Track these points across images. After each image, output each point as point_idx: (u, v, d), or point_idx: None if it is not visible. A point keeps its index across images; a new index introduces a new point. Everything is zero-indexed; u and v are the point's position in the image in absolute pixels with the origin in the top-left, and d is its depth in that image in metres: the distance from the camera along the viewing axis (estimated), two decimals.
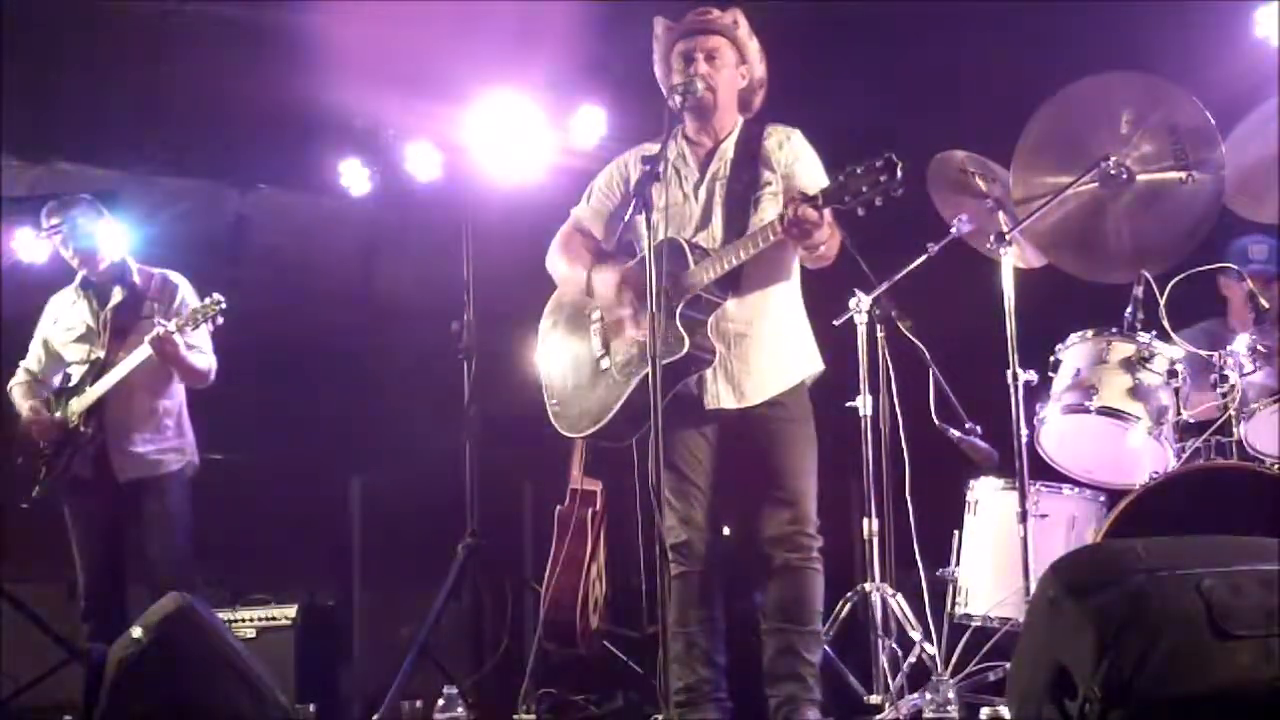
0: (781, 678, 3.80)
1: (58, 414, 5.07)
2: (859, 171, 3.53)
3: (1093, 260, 4.42)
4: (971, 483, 4.71)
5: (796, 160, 3.93)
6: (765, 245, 3.71)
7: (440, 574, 5.20)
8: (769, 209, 3.87)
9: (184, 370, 5.01)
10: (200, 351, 5.06)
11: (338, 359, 6.58)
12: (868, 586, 4.52)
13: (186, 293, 5.16)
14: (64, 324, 5.22)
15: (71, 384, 5.11)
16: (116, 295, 5.13)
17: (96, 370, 5.03)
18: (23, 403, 5.20)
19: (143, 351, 4.89)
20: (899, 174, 3.49)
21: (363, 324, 6.70)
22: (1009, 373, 4.13)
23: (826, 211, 3.71)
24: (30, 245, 6.43)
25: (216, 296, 4.88)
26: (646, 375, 3.45)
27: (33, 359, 5.30)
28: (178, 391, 5.15)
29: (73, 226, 5.12)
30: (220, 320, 4.89)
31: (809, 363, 4.00)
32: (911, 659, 4.38)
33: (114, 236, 5.21)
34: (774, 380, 3.90)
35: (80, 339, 5.15)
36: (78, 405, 5.03)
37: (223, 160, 6.24)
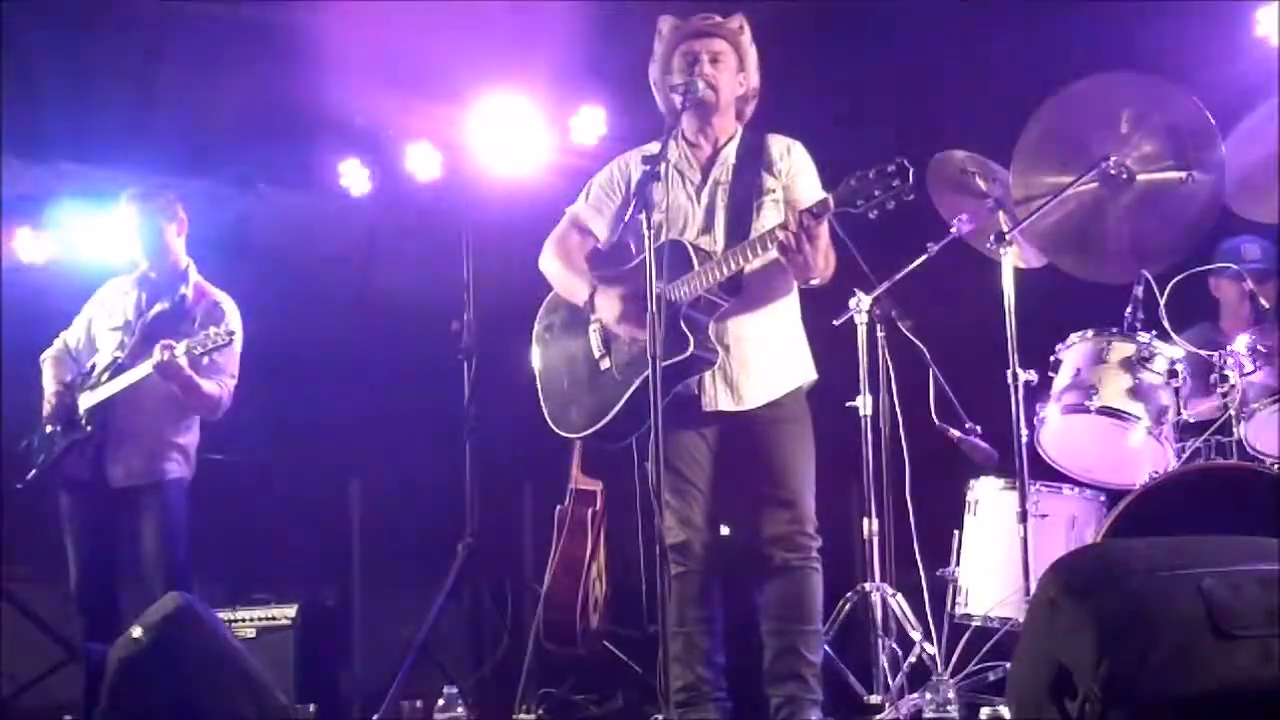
0: (783, 678, 3.81)
1: (69, 400, 5.03)
2: (871, 175, 3.55)
3: (1093, 260, 4.42)
4: (971, 483, 4.71)
5: (798, 174, 3.96)
6: (765, 253, 3.72)
7: (440, 574, 5.21)
8: (770, 215, 3.88)
9: (189, 395, 4.90)
10: (220, 377, 4.97)
11: (338, 359, 6.57)
12: (868, 586, 4.53)
13: (232, 321, 5.04)
14: (108, 309, 5.17)
15: (92, 376, 5.06)
16: (163, 303, 5.07)
17: (114, 370, 4.98)
18: (50, 377, 5.16)
19: (146, 368, 4.82)
20: (910, 178, 3.51)
21: (363, 324, 6.70)
22: (1009, 373, 4.13)
23: (826, 231, 3.73)
24: (30, 245, 6.44)
25: (228, 328, 4.79)
26: (649, 375, 3.45)
27: (72, 334, 5.25)
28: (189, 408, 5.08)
29: (143, 220, 5.06)
30: (219, 353, 4.79)
31: (804, 371, 4.02)
32: (911, 659, 4.39)
33: (180, 243, 5.15)
34: (772, 384, 3.91)
35: (116, 330, 5.10)
36: (86, 400, 4.99)
37: (223, 160, 6.23)
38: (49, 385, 5.14)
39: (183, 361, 4.75)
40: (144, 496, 4.98)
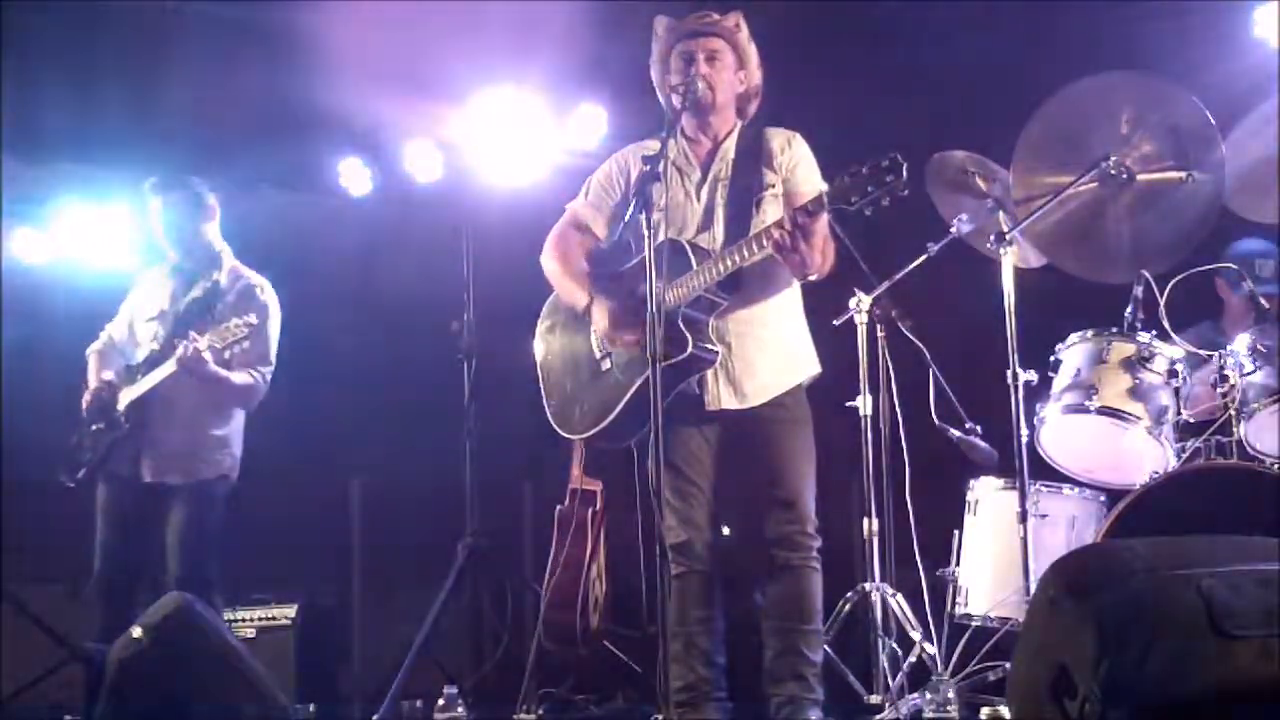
0: (784, 677, 3.80)
1: (109, 396, 4.99)
2: (864, 171, 3.52)
3: (1093, 260, 4.42)
4: (971, 483, 4.71)
5: (797, 166, 3.94)
6: (762, 251, 3.71)
7: (440, 574, 5.20)
8: (771, 210, 3.87)
9: (218, 388, 4.86)
10: (252, 367, 4.91)
11: (337, 359, 6.57)
12: (868, 586, 4.53)
13: (270, 306, 5.02)
14: (147, 300, 5.14)
15: (131, 369, 5.01)
16: (196, 290, 5.03)
17: (150, 363, 4.93)
18: (93, 372, 5.11)
19: (170, 366, 4.77)
20: (904, 173, 3.48)
21: (362, 324, 6.70)
22: (1009, 373, 4.13)
23: (823, 227, 3.72)
24: (30, 245, 6.44)
25: (250, 319, 4.69)
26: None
27: (116, 327, 5.21)
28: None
29: (166, 210, 5.03)
30: (246, 344, 4.71)
31: (808, 365, 4.01)
32: (911, 659, 4.39)
33: (211, 229, 5.11)
34: (775, 381, 3.90)
35: (152, 321, 5.07)
36: (125, 397, 4.94)
37: (223, 160, 6.23)
38: (90, 380, 5.10)
39: (206, 356, 4.69)
40: (176, 496, 4.93)
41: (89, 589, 4.97)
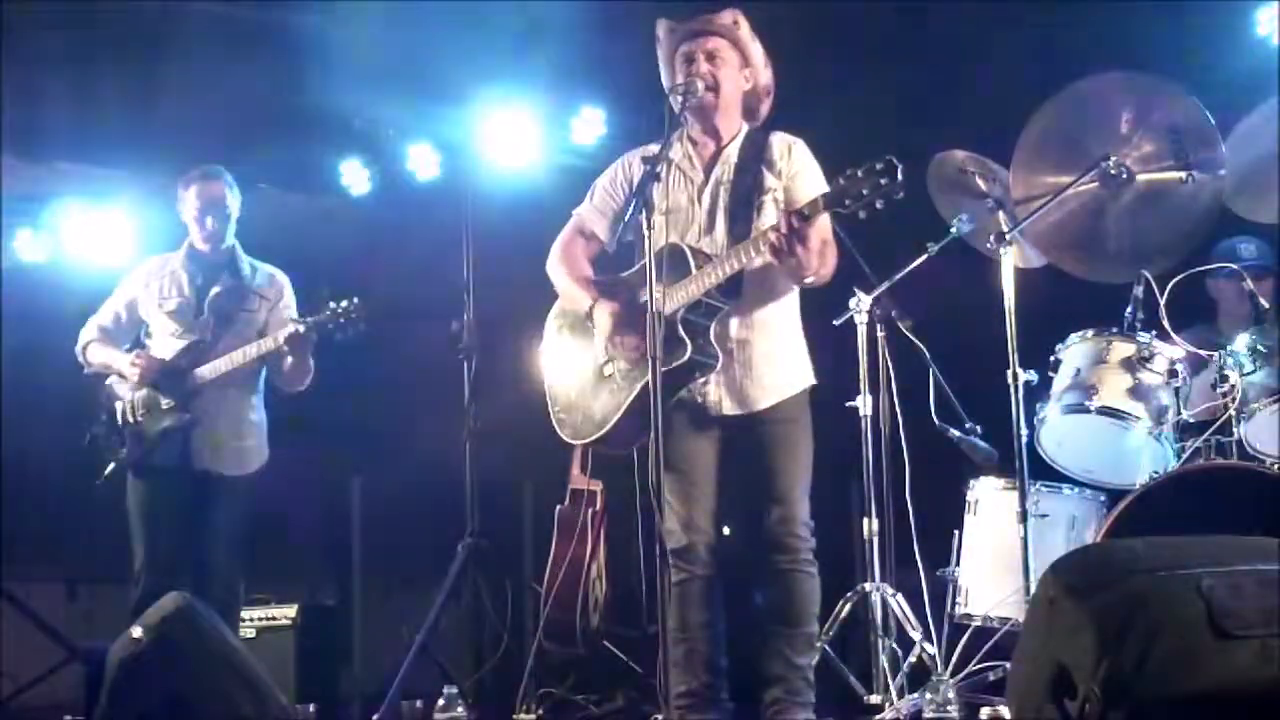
0: (769, 680, 3.79)
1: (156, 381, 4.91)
2: (859, 175, 3.52)
3: (1093, 260, 4.43)
4: (971, 483, 4.71)
5: (798, 172, 3.92)
6: (760, 255, 3.70)
7: (440, 574, 5.20)
8: (770, 215, 3.85)
9: (303, 366, 4.94)
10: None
11: (338, 358, 6.57)
12: (868, 586, 4.53)
13: (291, 293, 5.12)
14: (158, 290, 5.04)
15: (159, 356, 4.94)
16: (222, 281, 5.02)
17: (196, 353, 4.90)
18: (116, 358, 4.98)
19: (268, 344, 4.81)
20: (899, 176, 3.47)
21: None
22: (1009, 373, 4.13)
23: (825, 229, 3.71)
24: (30, 245, 6.44)
25: (356, 300, 4.82)
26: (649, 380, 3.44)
27: (108, 315, 5.10)
28: (261, 387, 5.07)
29: (203, 200, 5.01)
30: (362, 325, 4.86)
31: (805, 374, 3.98)
32: (911, 659, 4.39)
33: (233, 222, 5.11)
34: (776, 388, 3.89)
35: (175, 311, 5.00)
36: (182, 385, 4.87)
37: (223, 160, 6.24)
38: (122, 366, 4.97)
39: (313, 337, 4.82)
40: (226, 488, 4.91)
41: (137, 597, 4.72)
